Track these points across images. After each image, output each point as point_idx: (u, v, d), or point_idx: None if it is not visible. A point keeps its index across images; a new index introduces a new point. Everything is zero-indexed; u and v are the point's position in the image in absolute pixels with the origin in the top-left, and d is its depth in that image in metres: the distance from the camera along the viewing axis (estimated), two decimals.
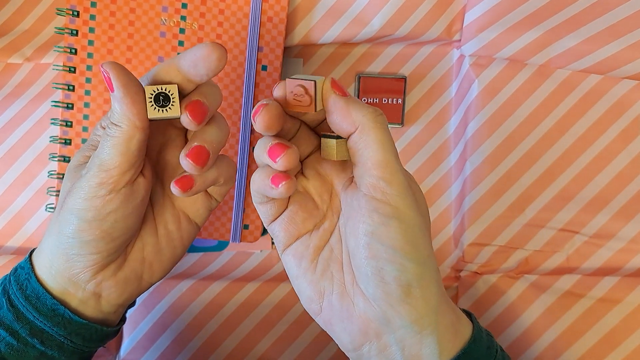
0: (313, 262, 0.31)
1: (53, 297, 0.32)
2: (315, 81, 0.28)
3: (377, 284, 0.28)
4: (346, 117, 0.28)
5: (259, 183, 0.29)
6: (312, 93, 0.28)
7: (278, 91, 0.29)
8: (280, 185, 0.28)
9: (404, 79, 0.45)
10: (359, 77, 0.45)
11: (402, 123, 0.45)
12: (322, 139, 0.30)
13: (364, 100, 0.45)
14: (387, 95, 0.45)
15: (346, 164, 0.32)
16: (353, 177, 0.30)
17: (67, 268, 0.31)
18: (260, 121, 0.28)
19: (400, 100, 0.45)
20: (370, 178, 0.28)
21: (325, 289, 0.31)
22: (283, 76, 0.45)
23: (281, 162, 0.28)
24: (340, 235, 0.31)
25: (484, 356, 0.30)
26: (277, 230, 0.31)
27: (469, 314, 0.33)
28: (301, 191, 0.32)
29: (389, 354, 0.29)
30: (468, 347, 0.29)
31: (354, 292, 0.30)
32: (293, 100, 0.29)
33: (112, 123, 0.30)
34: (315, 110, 0.29)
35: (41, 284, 0.32)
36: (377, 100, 0.45)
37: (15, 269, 0.33)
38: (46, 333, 0.31)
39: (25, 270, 0.32)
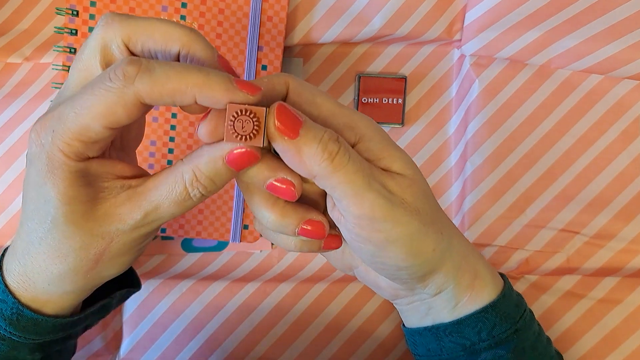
0: None
1: (54, 316, 0.29)
2: (265, 108, 0.24)
3: (392, 279, 0.30)
4: (300, 165, 0.25)
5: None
6: (262, 122, 0.24)
7: (208, 126, 0.25)
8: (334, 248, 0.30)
9: (404, 78, 0.45)
10: (359, 77, 0.45)
11: (402, 123, 0.45)
12: None
13: (364, 100, 0.45)
14: (388, 95, 0.45)
15: None
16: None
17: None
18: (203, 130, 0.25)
19: (400, 100, 0.45)
20: (350, 216, 0.26)
21: (350, 264, 0.32)
22: None
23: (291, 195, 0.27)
24: None
25: (506, 309, 0.32)
26: None
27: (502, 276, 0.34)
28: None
29: (417, 306, 0.32)
30: (490, 304, 0.31)
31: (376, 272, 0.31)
32: (232, 132, 0.24)
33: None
34: (263, 146, 0.25)
35: (33, 310, 0.29)
36: (377, 100, 0.45)
37: None
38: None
39: (9, 304, 0.29)
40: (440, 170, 0.46)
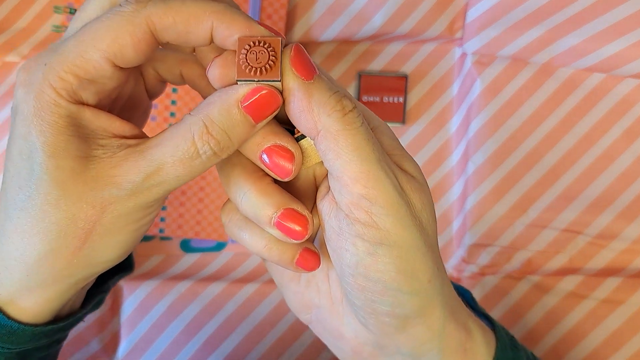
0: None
1: (32, 325, 0.25)
2: (280, 39, 0.21)
3: (368, 315, 0.23)
4: (306, 112, 0.21)
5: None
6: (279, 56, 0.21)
7: (219, 66, 0.22)
8: (310, 270, 0.24)
9: (405, 77, 0.45)
10: (360, 75, 0.45)
11: (403, 122, 0.45)
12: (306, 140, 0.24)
13: (365, 99, 0.45)
14: (388, 94, 0.45)
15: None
16: (329, 186, 0.23)
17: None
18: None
19: (401, 99, 0.45)
20: (348, 195, 0.21)
21: (312, 301, 0.27)
22: None
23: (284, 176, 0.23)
24: (327, 248, 0.25)
25: None
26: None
27: (492, 322, 0.28)
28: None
29: None
30: None
31: (344, 311, 0.25)
32: (246, 65, 0.21)
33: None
34: (280, 83, 0.21)
35: (11, 317, 0.24)
36: (378, 99, 0.45)
37: None
38: None
39: None
40: (442, 170, 0.46)
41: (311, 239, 0.25)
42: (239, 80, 0.21)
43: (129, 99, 0.25)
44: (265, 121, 0.22)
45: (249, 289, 0.45)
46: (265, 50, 0.21)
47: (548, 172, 0.45)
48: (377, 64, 0.46)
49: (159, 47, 0.23)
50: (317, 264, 0.24)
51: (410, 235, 0.22)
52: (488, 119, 0.44)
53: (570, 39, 0.43)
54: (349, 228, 0.22)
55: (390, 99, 0.45)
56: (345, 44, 0.45)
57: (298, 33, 0.44)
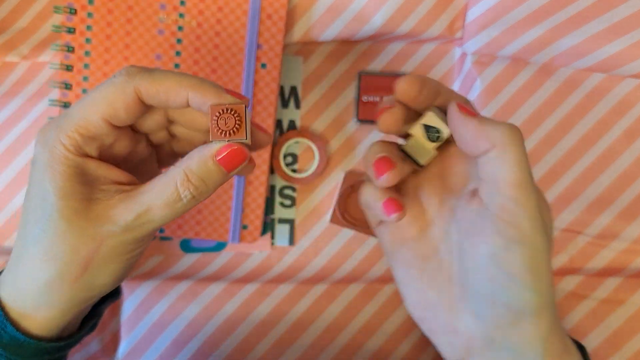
0: (420, 270, 0.30)
1: (37, 338, 0.29)
2: (244, 105, 0.26)
3: (487, 306, 0.27)
4: (480, 136, 0.26)
5: (371, 202, 0.29)
6: (243, 118, 0.26)
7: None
8: (391, 215, 0.28)
9: None
10: (360, 75, 0.45)
11: None
12: (415, 137, 0.28)
13: (365, 99, 0.45)
14: (388, 94, 0.45)
15: (459, 167, 0.30)
16: (476, 190, 0.28)
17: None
18: (382, 123, 0.28)
19: None
20: (501, 198, 0.26)
21: (431, 299, 0.30)
22: (283, 74, 0.45)
23: (383, 181, 0.28)
24: (451, 247, 0.29)
25: None
26: (384, 233, 0.31)
27: (580, 347, 0.30)
28: (409, 191, 0.31)
29: None
30: None
31: (461, 307, 0.28)
32: (217, 129, 0.26)
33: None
34: (246, 139, 0.26)
35: (20, 329, 0.28)
36: (378, 99, 0.45)
37: None
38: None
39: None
40: None
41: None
42: (213, 141, 0.26)
43: (131, 154, 0.30)
44: (235, 170, 0.27)
45: (249, 289, 0.44)
46: (232, 117, 0.26)
47: (548, 171, 0.45)
48: (377, 64, 0.46)
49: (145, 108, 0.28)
50: (400, 209, 0.28)
51: (542, 240, 0.26)
52: None
53: (570, 39, 0.43)
54: (492, 225, 0.26)
55: None
56: (345, 43, 0.45)
57: (298, 33, 0.44)
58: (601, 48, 0.43)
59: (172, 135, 0.32)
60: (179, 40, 0.42)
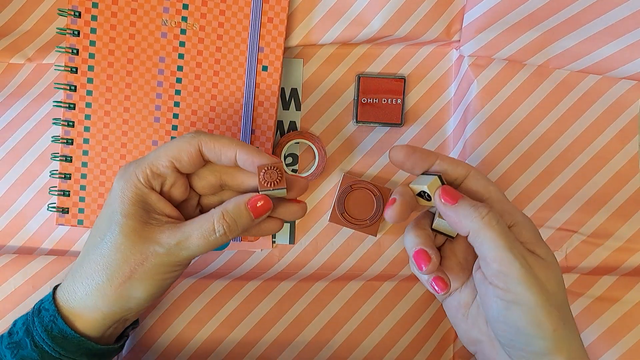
0: (465, 314, 0.37)
1: (80, 334, 0.34)
2: (282, 163, 0.34)
3: (510, 349, 0.33)
4: (458, 224, 0.33)
5: (422, 278, 0.36)
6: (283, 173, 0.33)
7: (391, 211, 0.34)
8: (439, 292, 0.35)
9: (404, 79, 0.45)
10: (359, 78, 0.45)
11: (401, 123, 0.45)
12: (436, 225, 0.37)
13: (364, 100, 0.45)
14: (387, 96, 0.45)
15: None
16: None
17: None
18: (388, 216, 0.34)
19: (399, 101, 0.45)
20: (490, 270, 0.32)
21: (476, 337, 0.36)
22: (284, 77, 0.45)
23: (426, 271, 0.34)
24: (479, 300, 0.36)
25: None
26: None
27: None
28: (448, 254, 0.37)
29: None
30: None
31: (498, 345, 0.35)
32: (263, 181, 0.33)
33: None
34: (285, 187, 0.34)
35: (68, 324, 0.34)
36: (377, 100, 0.45)
37: (39, 310, 0.34)
38: None
39: (50, 312, 0.34)
40: None
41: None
42: (261, 191, 0.33)
43: (184, 207, 0.36)
44: (261, 218, 0.34)
45: (251, 286, 0.45)
46: (275, 172, 0.33)
47: (543, 172, 0.45)
48: (375, 66, 0.46)
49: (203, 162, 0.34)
50: (446, 287, 0.35)
51: (534, 297, 0.31)
52: (485, 120, 0.44)
53: (565, 41, 0.43)
54: (493, 291, 0.32)
55: (389, 101, 0.45)
56: (344, 46, 0.46)
57: (298, 36, 0.44)
58: (596, 50, 0.43)
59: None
60: (182, 43, 0.43)
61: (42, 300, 0.35)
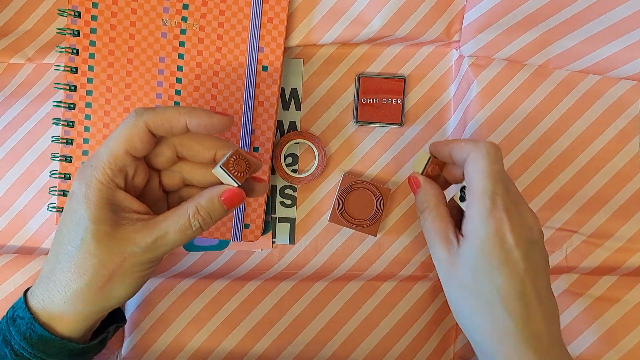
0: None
1: (61, 337, 0.33)
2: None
3: None
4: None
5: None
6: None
7: None
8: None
9: (404, 79, 0.45)
10: (359, 78, 0.45)
11: (401, 123, 0.45)
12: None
13: (364, 100, 0.45)
14: (387, 96, 0.45)
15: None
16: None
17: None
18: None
19: (399, 101, 0.45)
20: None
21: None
22: (284, 77, 0.45)
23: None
24: None
25: None
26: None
27: None
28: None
29: None
30: None
31: None
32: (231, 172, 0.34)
33: None
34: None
35: (47, 329, 0.33)
36: (377, 101, 0.45)
37: (14, 319, 0.34)
38: None
39: (26, 320, 0.33)
40: None
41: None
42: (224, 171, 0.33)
43: (148, 193, 0.36)
44: (234, 209, 0.34)
45: (251, 286, 0.45)
46: (242, 161, 0.34)
47: (544, 172, 0.45)
48: (376, 66, 0.46)
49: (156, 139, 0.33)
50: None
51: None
52: (484, 121, 0.44)
53: (565, 41, 0.43)
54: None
55: (389, 101, 0.45)
56: (344, 46, 0.46)
57: (298, 36, 0.44)
58: (596, 50, 0.43)
59: (182, 184, 0.37)
60: (181, 43, 0.43)
61: (13, 307, 0.34)
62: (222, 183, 0.34)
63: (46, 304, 0.33)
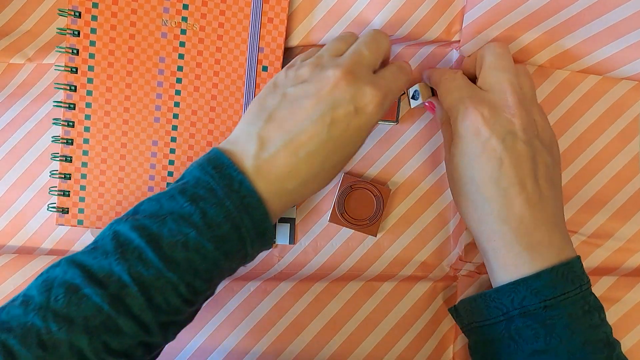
0: None
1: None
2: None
3: None
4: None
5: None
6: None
7: None
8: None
9: None
10: None
11: (396, 121, 0.45)
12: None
13: None
14: None
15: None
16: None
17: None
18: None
19: (396, 99, 0.45)
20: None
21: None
22: None
23: None
24: None
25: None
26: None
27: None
28: None
29: None
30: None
31: None
32: None
33: None
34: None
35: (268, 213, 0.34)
36: None
37: (250, 215, 0.33)
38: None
39: (260, 211, 0.33)
40: (439, 170, 0.46)
41: None
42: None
43: None
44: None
45: (251, 286, 0.45)
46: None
47: None
48: None
49: None
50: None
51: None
52: None
53: (566, 41, 0.43)
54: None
55: None
56: None
57: (298, 36, 0.44)
58: (597, 51, 0.43)
59: None
60: (182, 43, 0.43)
61: (233, 186, 0.32)
62: None
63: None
